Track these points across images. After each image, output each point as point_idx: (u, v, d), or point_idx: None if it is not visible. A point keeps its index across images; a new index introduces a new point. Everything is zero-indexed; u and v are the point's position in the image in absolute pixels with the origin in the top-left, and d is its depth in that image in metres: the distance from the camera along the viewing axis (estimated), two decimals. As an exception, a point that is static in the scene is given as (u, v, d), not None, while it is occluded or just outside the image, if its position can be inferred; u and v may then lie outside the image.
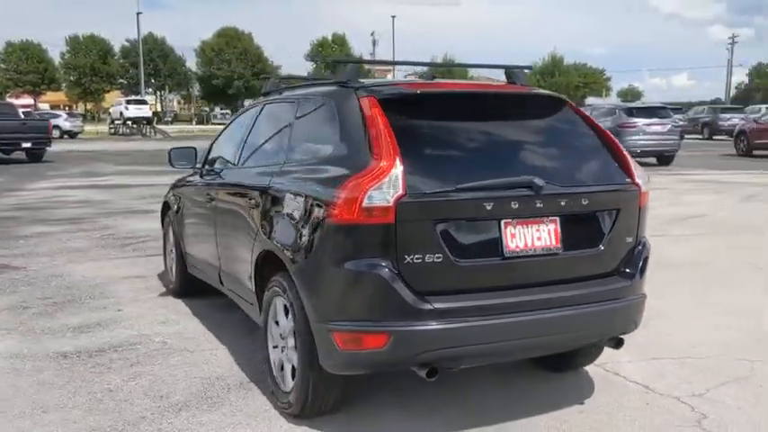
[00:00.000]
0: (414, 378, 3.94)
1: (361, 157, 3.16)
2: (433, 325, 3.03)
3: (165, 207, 6.21)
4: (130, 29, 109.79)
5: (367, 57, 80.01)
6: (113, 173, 18.75)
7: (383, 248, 3.03)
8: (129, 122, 46.99)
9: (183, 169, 5.68)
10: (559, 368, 4.15)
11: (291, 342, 3.56)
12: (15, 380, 4.11)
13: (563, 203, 3.28)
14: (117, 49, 74.87)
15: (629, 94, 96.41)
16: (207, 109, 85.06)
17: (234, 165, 4.71)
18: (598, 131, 3.66)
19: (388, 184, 2.99)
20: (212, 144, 5.46)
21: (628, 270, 3.50)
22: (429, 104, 3.43)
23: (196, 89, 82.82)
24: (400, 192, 2.99)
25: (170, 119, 72.71)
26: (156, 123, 50.90)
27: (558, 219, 3.29)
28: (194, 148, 5.45)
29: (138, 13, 60.18)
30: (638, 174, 3.56)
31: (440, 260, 3.06)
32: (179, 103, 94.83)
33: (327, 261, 3.15)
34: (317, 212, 3.21)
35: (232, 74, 73.86)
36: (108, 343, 4.78)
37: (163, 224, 6.41)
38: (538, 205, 3.22)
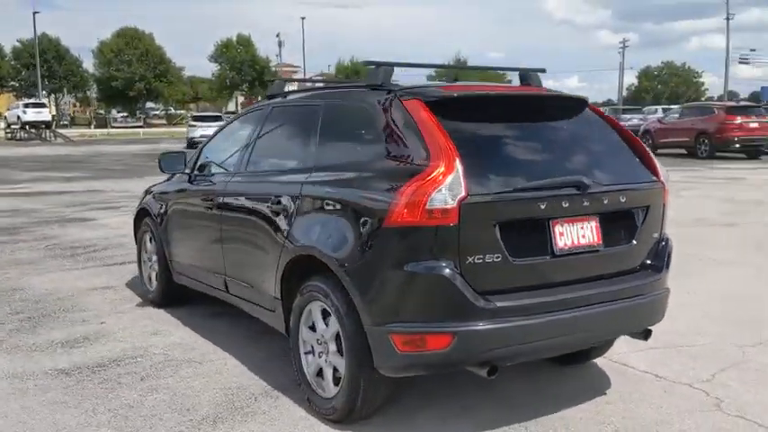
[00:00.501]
0: (443, 379, 4.02)
1: (417, 159, 3.18)
2: (496, 324, 3.08)
3: (142, 214, 5.99)
4: (20, 29, 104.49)
5: (273, 58, 79.30)
6: (27, 180, 17.81)
7: (446, 249, 3.06)
8: (27, 127, 44.66)
9: (174, 174, 5.53)
10: (573, 361, 4.28)
11: (333, 347, 3.54)
12: (24, 401, 3.89)
13: (605, 201, 3.42)
14: (7, 50, 71.03)
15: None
16: (102, 112, 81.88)
17: (239, 171, 4.59)
18: (621, 131, 3.82)
19: (451, 186, 3.03)
20: (202, 149, 5.32)
21: (656, 264, 3.67)
22: (471, 107, 3.49)
23: (94, 91, 79.55)
24: (462, 193, 3.04)
25: (67, 122, 69.57)
26: (54, 127, 48.60)
27: (598, 217, 3.42)
28: (184, 153, 5.31)
29: (34, 13, 57.36)
30: (662, 171, 3.74)
31: (498, 259, 3.12)
32: (74, 105, 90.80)
33: (386, 263, 3.15)
34: (373, 216, 3.21)
35: (133, 75, 71.40)
36: (106, 357, 4.59)
37: (136, 233, 6.17)
38: (584, 204, 3.34)
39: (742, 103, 30.10)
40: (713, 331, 5.03)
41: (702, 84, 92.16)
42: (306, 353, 3.78)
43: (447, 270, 3.05)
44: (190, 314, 5.54)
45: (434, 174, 3.06)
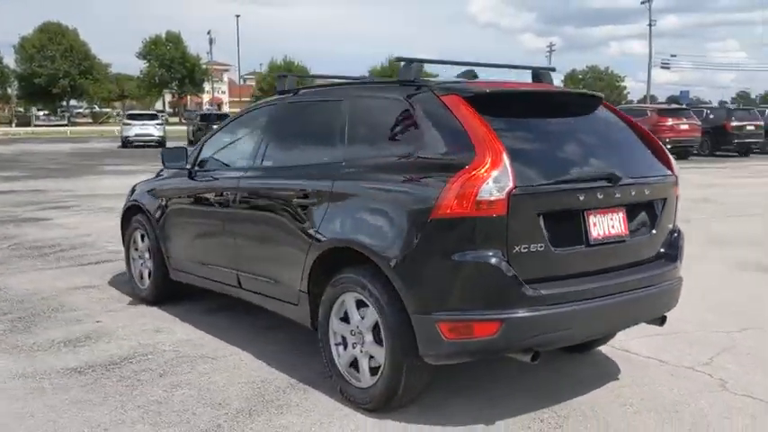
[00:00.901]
0: (466, 369, 4.11)
1: (461, 153, 3.27)
2: (541, 311, 3.22)
3: (132, 211, 5.88)
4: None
5: (204, 56, 77.98)
6: (-38, 179, 17.06)
7: (494, 239, 3.18)
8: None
9: (163, 169, 5.50)
10: (582, 349, 4.46)
11: (370, 337, 3.60)
12: (45, 400, 3.81)
13: (633, 193, 3.60)
14: None
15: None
16: (22, 109, 78.74)
17: (253, 166, 4.57)
18: (636, 127, 4.02)
19: (500, 178, 3.15)
20: (203, 144, 5.27)
21: (671, 254, 3.88)
22: (503, 102, 3.58)
23: (14, 88, 76.40)
24: (510, 185, 3.15)
25: (-15, 121, 66.61)
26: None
27: (624, 208, 3.60)
28: (185, 149, 5.25)
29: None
30: (675, 165, 3.95)
31: (542, 249, 3.26)
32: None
33: (434, 254, 3.24)
34: (419, 208, 3.29)
35: (56, 72, 68.97)
36: (115, 355, 4.51)
37: (125, 230, 6.04)
38: (616, 195, 3.52)
39: (673, 106, 31.38)
40: (697, 319, 5.28)
41: (625, 87, 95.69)
42: (336, 344, 3.82)
43: (496, 259, 3.17)
44: (186, 311, 5.48)
45: (483, 166, 3.16)
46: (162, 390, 3.96)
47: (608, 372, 4.26)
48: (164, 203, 5.41)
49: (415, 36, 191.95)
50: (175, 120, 70.94)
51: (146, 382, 4.08)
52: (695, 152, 25.19)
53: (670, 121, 23.73)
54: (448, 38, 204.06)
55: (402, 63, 3.81)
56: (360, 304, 3.66)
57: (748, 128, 26.22)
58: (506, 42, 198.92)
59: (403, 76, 3.79)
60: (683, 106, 31.01)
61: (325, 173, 3.91)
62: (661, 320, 3.93)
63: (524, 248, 3.22)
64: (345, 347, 3.79)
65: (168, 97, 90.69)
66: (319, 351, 3.94)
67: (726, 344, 4.76)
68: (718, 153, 26.68)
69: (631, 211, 3.65)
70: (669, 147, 23.31)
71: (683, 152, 24.36)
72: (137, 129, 32.83)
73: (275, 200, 4.26)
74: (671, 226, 3.93)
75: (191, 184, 5.17)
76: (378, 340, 3.56)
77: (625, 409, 3.73)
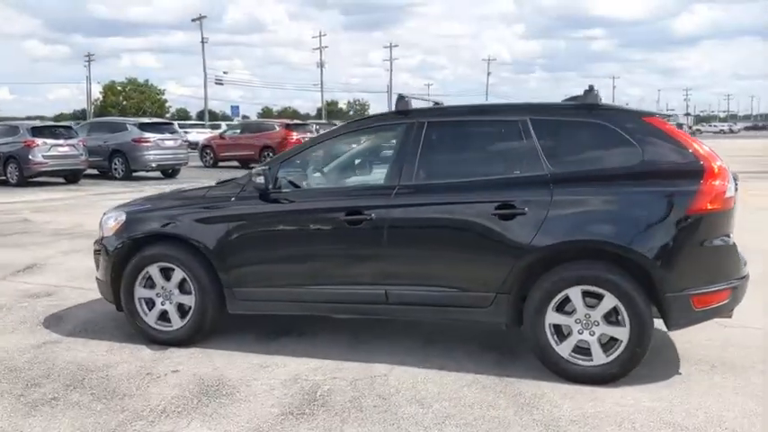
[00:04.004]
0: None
1: (690, 161, 4.23)
2: (745, 277, 4.38)
3: (136, 245, 5.09)
4: None
5: None
6: None
7: (728, 225, 4.28)
8: None
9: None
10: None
11: (603, 322, 4.25)
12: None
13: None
14: None
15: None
16: None
17: (401, 184, 4.61)
18: None
19: (732, 179, 4.24)
20: (279, 165, 4.87)
21: None
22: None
23: None
24: (734, 184, 4.26)
25: None
26: None
27: None
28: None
29: None
30: None
31: (733, 230, 4.42)
32: None
33: (689, 241, 4.18)
34: (675, 206, 4.14)
35: None
36: (294, 395, 4.16)
37: (119, 268, 5.11)
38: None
39: (296, 121, 32.91)
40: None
41: (166, 101, 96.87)
42: (552, 334, 4.33)
43: (731, 241, 4.26)
44: (249, 343, 5.11)
45: (719, 169, 4.19)
46: (428, 413, 3.93)
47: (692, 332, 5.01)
48: (232, 230, 4.84)
49: None
50: None
51: (384, 410, 3.97)
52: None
53: (295, 135, 25.17)
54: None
55: (586, 89, 4.52)
56: (586, 294, 4.26)
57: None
58: (7, 49, 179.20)
59: (589, 101, 4.49)
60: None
61: (531, 184, 4.36)
62: None
63: (732, 232, 4.33)
64: (563, 337, 4.33)
65: None
66: (468, 349, 4.73)
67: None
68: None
69: None
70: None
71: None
72: None
73: (460, 213, 4.48)
74: None
75: (283, 207, 4.84)
76: (612, 322, 4.23)
77: (746, 352, 4.83)
